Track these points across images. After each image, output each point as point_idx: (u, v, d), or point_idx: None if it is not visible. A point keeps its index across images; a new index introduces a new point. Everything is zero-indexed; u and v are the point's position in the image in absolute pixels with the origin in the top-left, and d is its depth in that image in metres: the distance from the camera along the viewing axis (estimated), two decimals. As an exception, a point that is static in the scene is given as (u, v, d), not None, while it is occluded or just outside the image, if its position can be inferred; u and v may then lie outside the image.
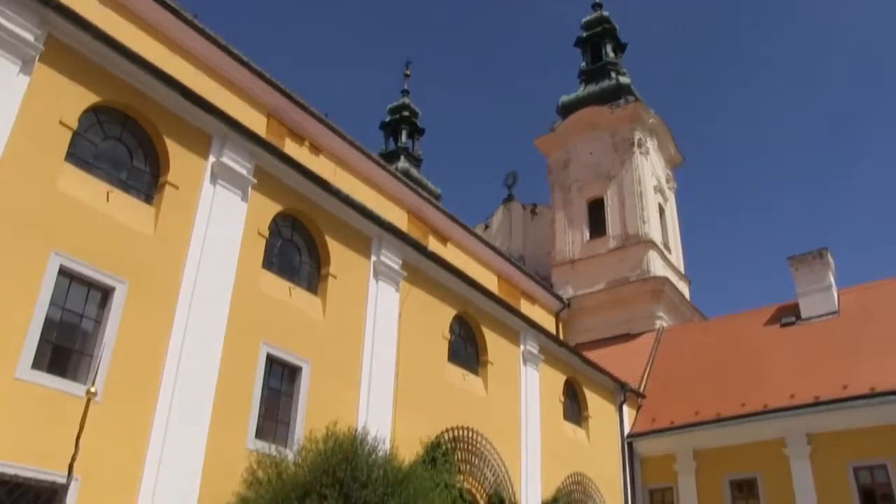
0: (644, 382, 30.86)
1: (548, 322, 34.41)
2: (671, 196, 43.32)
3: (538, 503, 21.80)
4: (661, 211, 40.99)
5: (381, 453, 13.15)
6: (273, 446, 14.03)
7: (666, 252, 39.64)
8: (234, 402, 14.29)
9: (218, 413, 13.86)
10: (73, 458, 7.98)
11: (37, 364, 11.68)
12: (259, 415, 14.83)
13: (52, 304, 12.10)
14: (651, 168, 40.73)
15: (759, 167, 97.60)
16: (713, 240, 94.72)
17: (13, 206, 11.78)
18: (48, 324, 12.01)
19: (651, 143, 41.63)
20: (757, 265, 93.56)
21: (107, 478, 12.06)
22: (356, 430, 13.47)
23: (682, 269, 41.59)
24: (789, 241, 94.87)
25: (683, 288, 40.48)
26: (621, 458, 27.60)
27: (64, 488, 9.88)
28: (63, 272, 12.34)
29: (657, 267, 37.39)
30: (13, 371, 11.30)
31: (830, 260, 30.09)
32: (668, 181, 43.45)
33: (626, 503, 26.92)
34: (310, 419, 15.02)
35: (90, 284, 12.78)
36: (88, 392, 8.29)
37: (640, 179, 39.23)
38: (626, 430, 28.29)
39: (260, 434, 14.69)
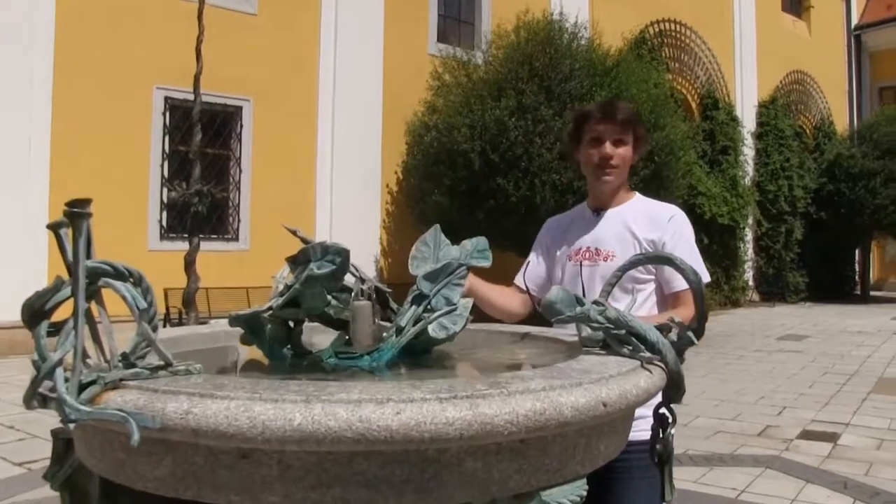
0: (877, -38, 26.22)
1: None
2: None
3: (754, 104, 19.80)
4: None
5: (582, 41, 11.16)
6: (457, 49, 12.52)
7: None
8: (408, 3, 12.86)
9: (391, 17, 12.61)
10: (199, 40, 6.63)
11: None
12: (438, 14, 13.54)
13: None
14: None
15: None
16: None
17: None
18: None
19: None
20: None
21: (280, 97, 11.43)
22: (551, 16, 11.41)
23: None
24: None
25: None
26: (847, 53, 24.61)
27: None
28: None
29: None
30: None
31: None
32: None
33: (851, 103, 24.40)
34: (496, 14, 13.19)
35: None
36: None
37: None
38: (854, 21, 24.80)
39: (442, 37, 13.46)
